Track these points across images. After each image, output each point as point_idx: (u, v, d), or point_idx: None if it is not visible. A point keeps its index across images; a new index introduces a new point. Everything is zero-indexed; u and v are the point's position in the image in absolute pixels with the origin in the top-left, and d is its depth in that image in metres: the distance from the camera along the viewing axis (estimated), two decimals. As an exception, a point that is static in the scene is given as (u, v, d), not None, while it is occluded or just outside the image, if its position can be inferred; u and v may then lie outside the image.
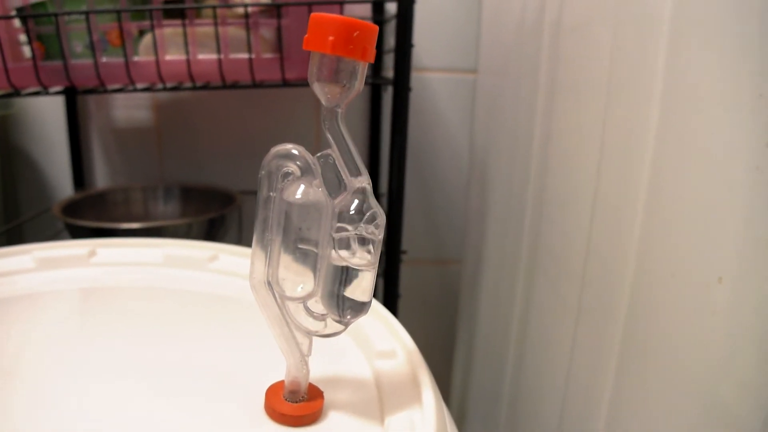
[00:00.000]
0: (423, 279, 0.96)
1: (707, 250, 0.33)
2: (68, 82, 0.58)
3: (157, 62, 0.57)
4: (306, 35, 0.25)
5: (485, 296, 0.73)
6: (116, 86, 0.61)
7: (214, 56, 0.58)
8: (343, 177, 0.26)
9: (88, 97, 0.84)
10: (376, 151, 0.88)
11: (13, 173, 0.86)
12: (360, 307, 0.27)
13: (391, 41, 0.61)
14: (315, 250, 0.27)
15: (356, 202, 0.26)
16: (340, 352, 0.35)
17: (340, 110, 0.26)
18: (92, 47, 0.56)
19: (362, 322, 0.35)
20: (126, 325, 0.38)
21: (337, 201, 0.27)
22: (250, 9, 0.56)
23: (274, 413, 0.28)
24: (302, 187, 0.26)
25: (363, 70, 0.26)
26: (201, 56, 0.58)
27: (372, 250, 0.27)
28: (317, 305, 0.28)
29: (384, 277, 0.65)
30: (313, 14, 0.25)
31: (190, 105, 0.85)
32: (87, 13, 0.55)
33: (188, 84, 0.60)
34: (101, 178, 0.87)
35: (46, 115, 0.84)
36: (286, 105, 0.86)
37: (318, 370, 0.31)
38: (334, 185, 0.27)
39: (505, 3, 0.66)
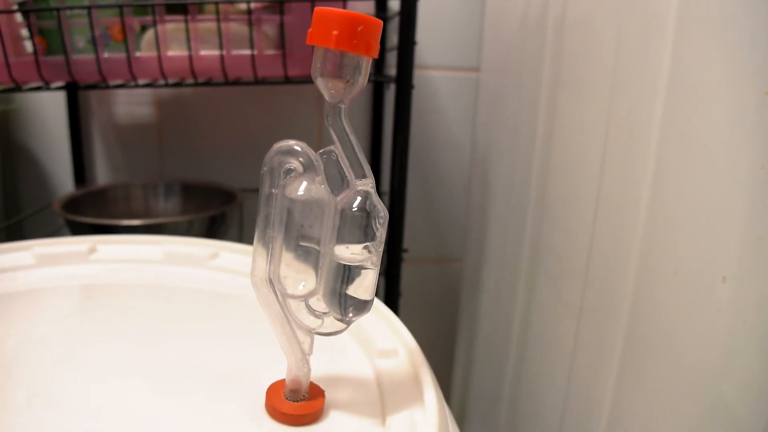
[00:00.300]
0: (424, 277, 0.96)
1: (711, 248, 0.33)
2: (70, 77, 0.58)
3: (159, 58, 0.57)
4: (310, 29, 0.25)
5: (486, 295, 0.73)
6: (118, 82, 0.60)
7: (216, 52, 0.57)
8: (346, 174, 0.26)
9: (89, 92, 0.84)
10: (378, 149, 0.88)
11: (14, 169, 0.86)
12: (362, 306, 0.27)
13: (394, 39, 0.60)
14: (317, 248, 0.26)
15: (359, 199, 0.26)
16: (342, 351, 0.35)
17: (343, 106, 0.26)
18: (94, 42, 0.56)
19: (363, 320, 0.34)
20: (126, 323, 0.38)
21: (339, 198, 0.26)
22: (252, 5, 0.56)
23: (275, 412, 0.28)
24: (304, 183, 0.26)
25: (367, 65, 0.25)
26: (203, 52, 0.58)
27: (374, 249, 0.26)
28: (319, 303, 0.27)
29: (385, 275, 0.65)
30: (317, 8, 0.24)
31: (192, 101, 0.85)
32: (89, 8, 0.55)
33: (190, 80, 0.60)
34: (102, 174, 0.87)
35: (47, 110, 0.84)
36: (288, 102, 0.86)
37: (319, 369, 0.30)
38: (337, 182, 0.26)
39: (508, 0, 0.66)
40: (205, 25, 0.57)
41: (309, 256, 0.26)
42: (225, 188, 0.78)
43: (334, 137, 0.26)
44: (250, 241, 0.28)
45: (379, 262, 0.27)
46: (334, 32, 0.24)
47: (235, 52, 0.58)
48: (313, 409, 0.28)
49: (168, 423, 0.28)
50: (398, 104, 0.58)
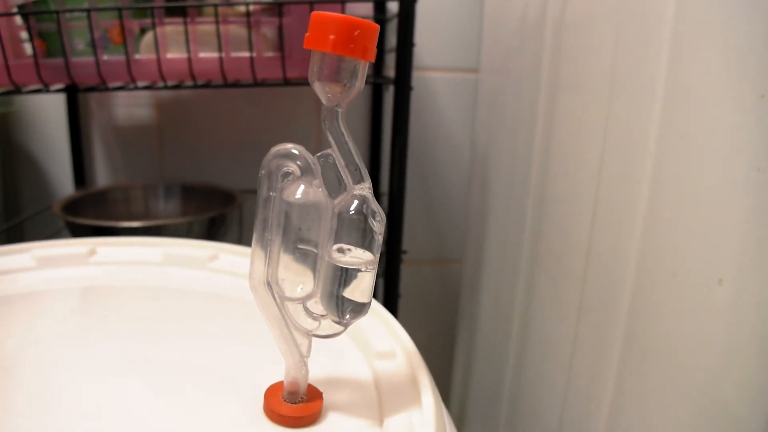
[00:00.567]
0: (424, 279, 0.96)
1: (708, 250, 0.33)
2: (69, 79, 0.58)
3: (159, 60, 0.57)
4: (307, 34, 0.25)
5: (486, 296, 0.73)
6: (117, 84, 0.60)
7: (215, 54, 0.57)
8: (344, 177, 0.26)
9: (89, 94, 0.84)
10: (377, 151, 0.88)
11: (14, 171, 0.86)
12: (360, 308, 0.27)
13: (392, 40, 0.61)
14: (314, 251, 0.26)
15: (356, 202, 0.26)
16: (340, 353, 0.35)
17: (340, 110, 0.26)
18: (93, 45, 0.56)
19: (362, 322, 0.34)
20: (125, 325, 0.38)
21: (337, 201, 0.26)
22: (251, 7, 0.56)
23: (273, 414, 0.28)
24: (302, 187, 0.26)
25: (364, 69, 0.26)
26: (202, 54, 0.58)
27: (372, 251, 0.26)
28: (316, 306, 0.27)
29: (384, 277, 0.65)
30: (313, 13, 0.24)
31: (192, 103, 0.85)
32: (88, 11, 0.55)
33: (189, 82, 0.60)
34: (102, 176, 0.87)
35: (47, 112, 0.84)
36: (287, 104, 0.86)
37: (317, 371, 0.31)
38: (334, 185, 0.27)
39: (507, 1, 0.66)
40: (204, 27, 0.57)
41: (307, 259, 0.27)
42: (225, 190, 0.79)
43: (332, 141, 0.26)
44: (249, 243, 0.28)
45: (376, 265, 0.27)
46: (331, 36, 0.24)
47: (234, 54, 0.58)
48: (311, 411, 0.28)
49: (166, 424, 0.28)
50: (397, 106, 0.58)
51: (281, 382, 0.29)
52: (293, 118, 0.87)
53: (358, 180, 0.26)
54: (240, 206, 0.74)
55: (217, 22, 0.55)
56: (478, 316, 0.76)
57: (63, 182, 0.87)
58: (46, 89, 0.60)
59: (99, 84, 0.59)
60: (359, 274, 0.26)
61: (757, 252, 0.31)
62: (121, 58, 0.57)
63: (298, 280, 0.27)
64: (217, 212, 0.68)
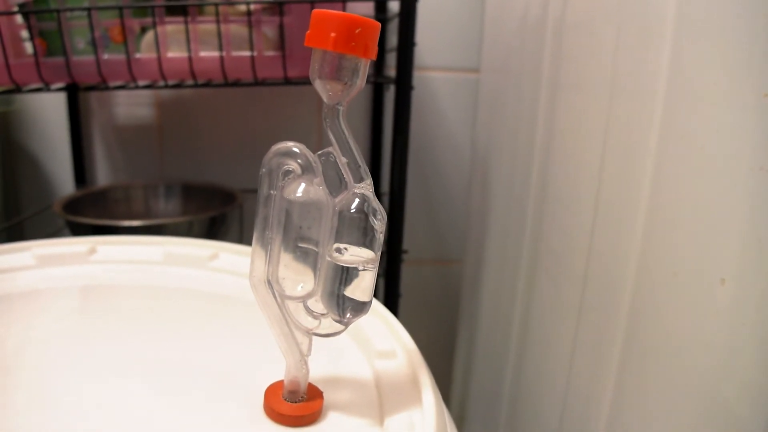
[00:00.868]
0: (424, 279, 0.96)
1: (710, 250, 0.33)
2: (70, 78, 0.58)
3: (159, 59, 0.57)
4: (308, 31, 0.25)
5: (486, 296, 0.73)
6: (118, 83, 0.60)
7: (216, 53, 0.57)
8: (344, 176, 0.26)
9: (90, 93, 0.84)
10: (378, 151, 0.88)
11: (15, 170, 0.86)
12: (360, 307, 0.27)
13: (393, 40, 0.61)
14: (315, 249, 0.26)
15: (357, 201, 0.26)
16: (340, 352, 0.35)
17: (341, 108, 0.26)
18: (94, 44, 0.56)
19: (362, 321, 0.34)
20: (125, 324, 0.38)
21: (337, 200, 0.26)
22: (252, 6, 0.56)
23: (273, 413, 0.28)
24: (303, 185, 0.26)
25: (365, 67, 0.25)
26: (203, 53, 0.58)
27: (373, 249, 0.26)
28: (317, 305, 0.27)
29: (385, 276, 0.65)
30: (314, 11, 0.24)
31: (192, 103, 0.85)
32: (89, 10, 0.55)
33: (190, 81, 0.60)
34: (102, 175, 0.87)
35: (47, 111, 0.84)
36: (288, 103, 0.86)
37: (318, 370, 0.30)
38: (335, 183, 0.26)
39: (508, 1, 0.66)
40: (205, 26, 0.57)
41: (307, 258, 0.26)
42: (225, 189, 0.79)
43: (333, 139, 0.26)
44: (250, 242, 0.28)
45: (377, 264, 0.27)
46: (332, 34, 0.24)
47: (234, 53, 0.58)
48: (312, 410, 0.28)
49: (166, 423, 0.28)
50: (398, 105, 0.58)
51: (281, 381, 0.29)
52: (294, 117, 0.87)
53: (359, 178, 0.26)
54: (240, 205, 0.74)
55: (217, 21, 0.55)
56: (478, 316, 0.76)
57: (63, 181, 0.87)
58: (46, 88, 0.60)
59: (99, 83, 0.59)
60: (360, 272, 0.26)
61: (759, 252, 0.31)
62: (122, 57, 0.57)
63: (299, 279, 0.27)
64: (217, 211, 0.68)
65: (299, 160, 0.26)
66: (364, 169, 0.26)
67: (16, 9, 0.58)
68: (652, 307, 0.38)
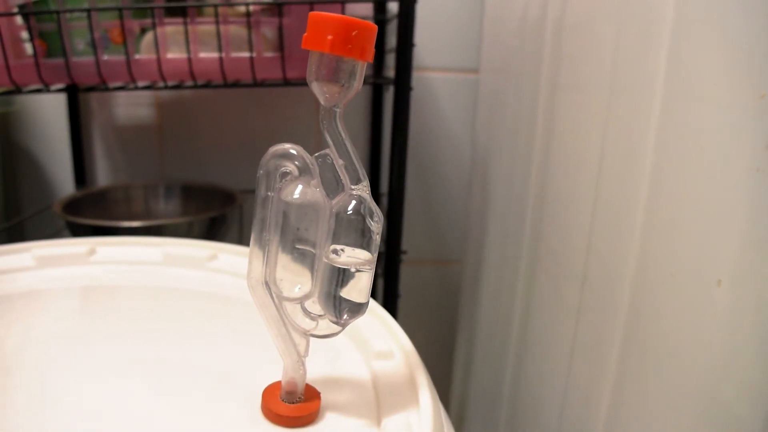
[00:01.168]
0: (424, 279, 0.96)
1: (707, 251, 0.33)
2: (69, 79, 0.58)
3: (159, 60, 0.57)
4: (305, 34, 0.25)
5: (486, 296, 0.73)
6: (117, 84, 0.60)
7: (215, 55, 0.58)
8: (341, 177, 0.26)
9: (90, 94, 0.84)
10: (377, 151, 0.88)
11: (15, 170, 0.86)
12: (357, 308, 0.27)
13: (393, 40, 0.61)
14: (313, 251, 0.26)
15: (354, 202, 0.26)
16: (338, 353, 0.35)
17: (338, 110, 0.26)
18: (94, 45, 0.56)
19: (360, 322, 0.34)
20: (125, 324, 0.38)
21: (335, 201, 0.26)
22: (251, 7, 0.56)
23: (271, 414, 0.28)
24: (300, 187, 0.26)
25: (362, 69, 0.26)
26: (202, 54, 0.58)
27: (370, 250, 0.26)
28: (314, 306, 0.27)
29: (384, 277, 0.65)
30: (311, 13, 0.24)
31: (192, 103, 0.85)
32: (89, 11, 0.55)
33: (189, 82, 0.60)
34: (103, 175, 0.87)
35: (48, 112, 0.84)
36: (287, 104, 0.86)
37: (315, 371, 0.31)
38: (332, 185, 0.27)
39: (508, 1, 0.66)
40: (204, 27, 0.57)
41: (305, 259, 0.27)
42: (225, 189, 0.79)
43: (329, 141, 0.26)
44: (249, 242, 0.28)
45: (373, 265, 0.27)
46: (329, 37, 0.24)
47: (234, 54, 0.58)
48: (309, 410, 0.28)
49: (165, 423, 0.28)
50: (397, 106, 0.58)
51: (279, 382, 0.29)
52: (293, 118, 0.87)
53: (356, 180, 0.26)
54: (240, 206, 0.74)
55: (217, 23, 0.55)
56: (478, 316, 0.76)
57: (63, 182, 0.87)
58: (46, 89, 0.60)
59: (99, 84, 0.59)
60: (357, 274, 0.26)
61: (756, 253, 0.31)
62: (122, 58, 0.57)
63: (296, 280, 0.27)
64: (217, 212, 0.69)
65: (296, 162, 0.26)
66: (361, 171, 0.26)
67: (16, 10, 0.58)
68: (650, 308, 0.38)
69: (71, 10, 0.56)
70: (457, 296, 0.91)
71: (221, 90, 0.84)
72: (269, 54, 0.58)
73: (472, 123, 0.88)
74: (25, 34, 0.59)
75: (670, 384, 0.36)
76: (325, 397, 0.30)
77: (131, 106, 0.85)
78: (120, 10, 0.55)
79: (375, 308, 0.38)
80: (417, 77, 0.85)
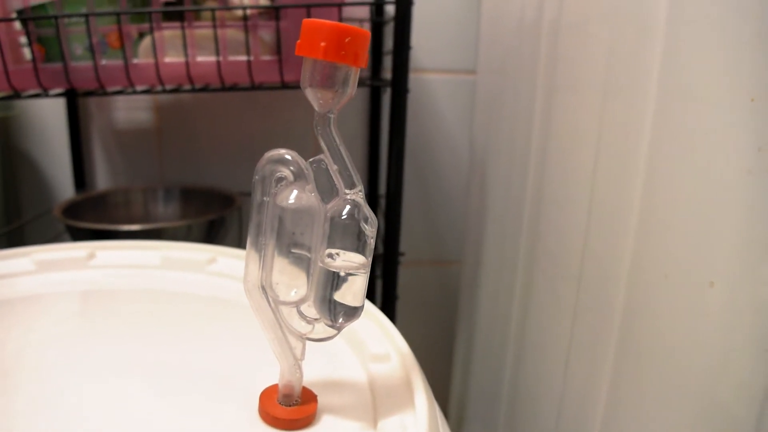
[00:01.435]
0: (422, 280, 0.96)
1: (700, 252, 0.33)
2: (68, 84, 0.58)
3: (157, 64, 0.57)
4: (298, 41, 0.25)
5: (484, 297, 0.73)
6: (116, 88, 0.61)
7: (212, 58, 0.58)
8: (336, 182, 0.27)
9: (89, 98, 0.84)
10: (375, 153, 0.88)
11: (15, 175, 0.87)
12: (352, 312, 0.27)
13: (390, 42, 0.61)
14: (308, 255, 0.27)
15: (348, 207, 0.26)
16: (335, 356, 0.36)
17: (332, 116, 0.26)
18: (92, 49, 0.56)
19: (356, 325, 0.35)
20: (124, 327, 0.38)
21: (329, 206, 0.27)
22: (248, 11, 0.56)
23: (268, 417, 0.28)
24: (295, 192, 0.26)
25: (355, 75, 0.26)
26: (200, 58, 0.58)
27: (364, 254, 0.27)
28: (310, 309, 0.28)
29: (383, 278, 0.65)
30: (305, 20, 0.25)
31: (191, 107, 0.86)
32: (87, 16, 0.55)
33: (187, 86, 0.60)
34: (102, 179, 0.88)
35: (47, 117, 0.85)
36: (285, 107, 0.86)
37: (312, 374, 0.31)
38: (327, 190, 0.27)
39: (504, 3, 0.66)
40: (202, 31, 0.58)
41: (300, 263, 0.27)
42: (224, 192, 0.79)
43: (324, 146, 0.26)
44: (246, 247, 0.28)
45: (368, 269, 0.27)
46: (322, 44, 0.24)
47: (231, 58, 0.58)
48: (306, 413, 0.28)
49: (163, 425, 0.28)
50: (394, 108, 0.59)
51: (276, 385, 0.29)
52: (291, 121, 0.87)
53: (351, 185, 0.27)
54: (239, 209, 0.74)
55: (214, 27, 0.56)
56: (476, 317, 0.76)
57: (63, 186, 0.88)
58: (45, 94, 0.60)
59: (98, 88, 0.59)
60: (351, 277, 0.26)
61: (750, 254, 0.31)
62: (120, 62, 0.57)
63: (292, 284, 0.27)
64: (216, 215, 0.69)
65: (291, 167, 0.26)
66: (356, 176, 0.27)
67: (14, 15, 0.58)
68: (645, 309, 0.38)
69: (69, 15, 0.57)
70: (455, 297, 0.91)
71: (219, 93, 0.84)
72: (267, 57, 0.59)
73: (469, 124, 0.89)
74: (23, 39, 0.60)
75: (666, 384, 0.37)
76: (322, 399, 0.30)
77: (130, 110, 0.85)
78: (118, 14, 0.55)
79: (371, 311, 0.39)
80: (414, 79, 0.86)
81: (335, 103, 0.26)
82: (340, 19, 0.57)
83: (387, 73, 0.82)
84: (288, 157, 0.26)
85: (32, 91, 0.61)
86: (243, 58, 0.58)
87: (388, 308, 0.65)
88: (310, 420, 0.29)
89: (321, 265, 0.27)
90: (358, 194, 0.27)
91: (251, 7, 0.56)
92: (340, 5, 0.56)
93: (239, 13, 0.58)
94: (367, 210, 0.26)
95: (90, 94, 0.63)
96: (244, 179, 0.88)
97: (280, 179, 0.26)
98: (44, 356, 0.34)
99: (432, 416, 0.29)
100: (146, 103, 0.85)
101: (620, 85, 0.41)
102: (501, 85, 0.68)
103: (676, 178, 0.35)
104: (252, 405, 0.30)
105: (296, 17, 0.57)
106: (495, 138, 0.70)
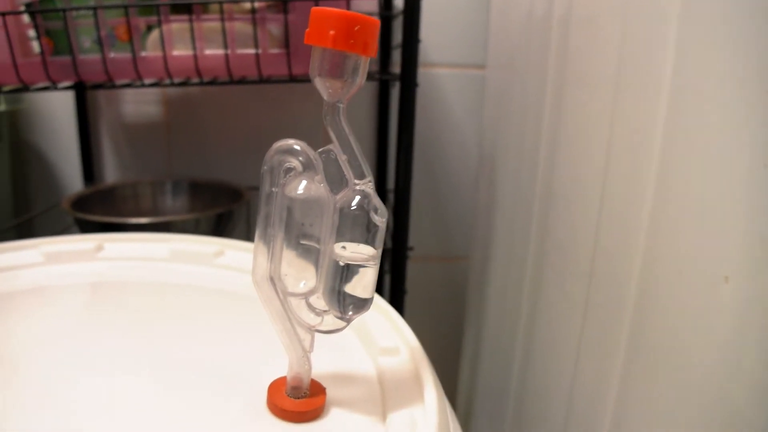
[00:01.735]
0: (430, 275, 0.96)
1: (714, 247, 0.33)
2: (76, 77, 0.58)
3: (165, 57, 0.57)
4: (307, 29, 0.25)
5: (493, 292, 0.73)
6: (124, 81, 0.61)
7: (221, 51, 0.58)
8: (345, 172, 0.26)
9: (97, 91, 0.85)
10: (384, 148, 0.88)
11: (24, 168, 0.87)
12: (362, 304, 0.27)
13: (399, 36, 0.60)
14: (317, 246, 0.26)
15: (357, 198, 0.26)
16: (344, 348, 0.35)
17: (341, 105, 0.26)
18: (100, 42, 0.56)
19: (366, 318, 0.34)
20: (131, 320, 0.38)
21: (338, 197, 0.26)
22: (256, 4, 0.56)
23: (276, 409, 0.28)
24: (304, 182, 0.26)
25: (365, 64, 0.25)
26: (208, 51, 0.58)
27: (374, 246, 0.26)
28: (319, 301, 0.28)
29: (391, 273, 0.65)
30: (313, 8, 0.24)
31: (199, 100, 0.86)
32: (95, 9, 0.55)
33: (195, 79, 0.60)
34: (111, 172, 0.88)
35: (56, 110, 0.85)
36: (294, 99, 0.86)
37: (321, 366, 0.31)
38: (336, 181, 0.27)
39: (514, -3, 0.65)
40: (210, 24, 0.57)
41: (309, 255, 0.27)
42: (232, 186, 0.79)
43: (333, 136, 0.26)
44: (254, 239, 0.28)
45: (378, 261, 0.27)
46: (331, 32, 0.24)
47: (239, 51, 0.58)
48: (314, 406, 0.28)
49: (171, 418, 0.28)
50: (402, 102, 0.58)
51: (285, 377, 0.29)
52: (300, 113, 0.87)
53: (360, 175, 0.26)
54: (247, 203, 0.74)
55: (222, 19, 0.56)
56: (484, 313, 0.76)
57: (72, 179, 0.88)
58: (54, 87, 0.60)
59: (106, 81, 0.59)
60: (361, 269, 0.26)
61: (762, 250, 0.31)
62: (128, 55, 0.57)
63: (301, 276, 0.27)
64: (224, 208, 0.69)
65: (300, 158, 0.26)
66: (365, 167, 0.26)
67: (23, 8, 0.58)
68: (657, 305, 0.38)
69: (78, 8, 0.57)
70: (464, 292, 0.91)
71: (227, 86, 0.84)
72: (275, 50, 0.58)
73: (478, 119, 0.88)
74: (32, 33, 0.60)
75: (678, 381, 0.36)
76: (331, 392, 0.30)
77: (138, 103, 0.85)
78: (126, 7, 0.55)
79: (381, 304, 0.38)
80: (423, 73, 0.85)
81: (344, 93, 0.26)
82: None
83: (396, 68, 0.82)
84: (297, 147, 0.26)
85: (41, 84, 0.61)
86: (251, 51, 0.58)
87: (397, 303, 0.65)
88: (318, 412, 0.28)
89: (331, 256, 0.26)
90: (367, 185, 0.26)
91: (259, 0, 0.56)
92: (348, -2, 0.56)
93: (247, 6, 0.57)
94: (377, 200, 0.26)
95: (98, 87, 0.63)
96: (252, 173, 0.88)
97: (289, 170, 0.26)
98: (51, 348, 0.34)
99: (442, 410, 0.28)
100: (155, 96, 0.85)
101: (632, 80, 0.41)
102: (510, 79, 0.67)
103: (689, 171, 0.35)
104: (260, 397, 0.29)
105: (304, 10, 0.56)
106: (504, 133, 0.70)
